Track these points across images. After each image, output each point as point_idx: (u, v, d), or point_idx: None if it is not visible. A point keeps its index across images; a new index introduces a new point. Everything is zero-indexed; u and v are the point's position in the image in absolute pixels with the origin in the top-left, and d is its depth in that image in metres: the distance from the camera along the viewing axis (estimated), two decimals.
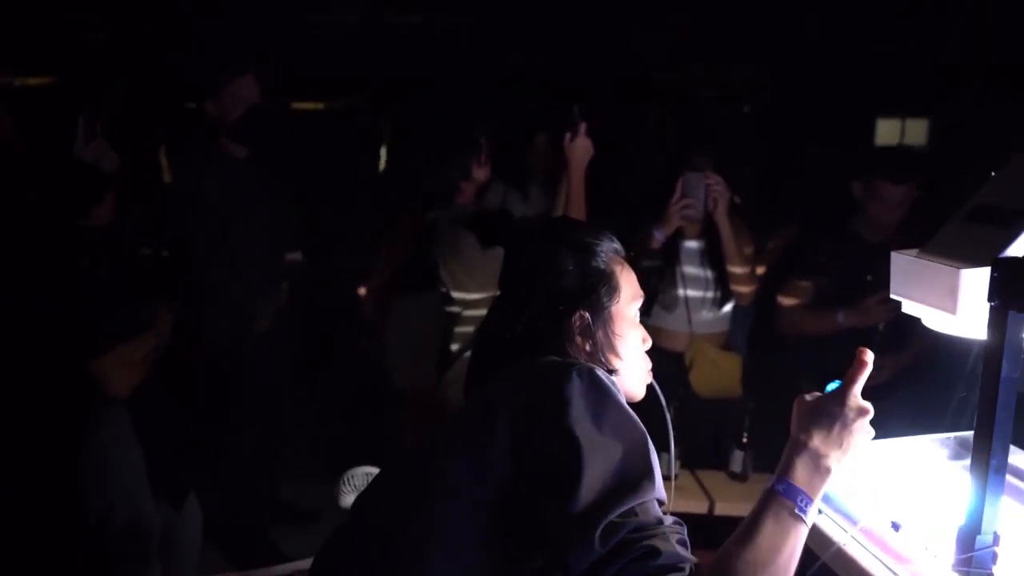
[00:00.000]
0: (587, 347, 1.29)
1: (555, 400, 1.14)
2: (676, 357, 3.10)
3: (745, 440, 2.89)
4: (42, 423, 2.33)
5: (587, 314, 1.30)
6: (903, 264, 1.34)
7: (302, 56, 5.66)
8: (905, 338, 2.95)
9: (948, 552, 1.26)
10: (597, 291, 1.31)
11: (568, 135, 2.65)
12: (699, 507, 2.75)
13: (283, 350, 3.53)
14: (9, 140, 2.70)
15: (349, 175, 6.02)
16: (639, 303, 1.37)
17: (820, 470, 1.16)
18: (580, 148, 2.65)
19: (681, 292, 3.10)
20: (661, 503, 1.12)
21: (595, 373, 1.18)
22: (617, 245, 1.37)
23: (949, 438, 1.69)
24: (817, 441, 1.17)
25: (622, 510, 1.06)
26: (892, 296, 1.38)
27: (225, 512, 3.30)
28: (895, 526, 1.35)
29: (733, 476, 2.90)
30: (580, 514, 1.06)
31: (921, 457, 1.65)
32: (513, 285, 1.37)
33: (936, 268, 1.28)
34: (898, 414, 1.89)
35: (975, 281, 1.22)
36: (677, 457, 2.89)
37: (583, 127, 2.65)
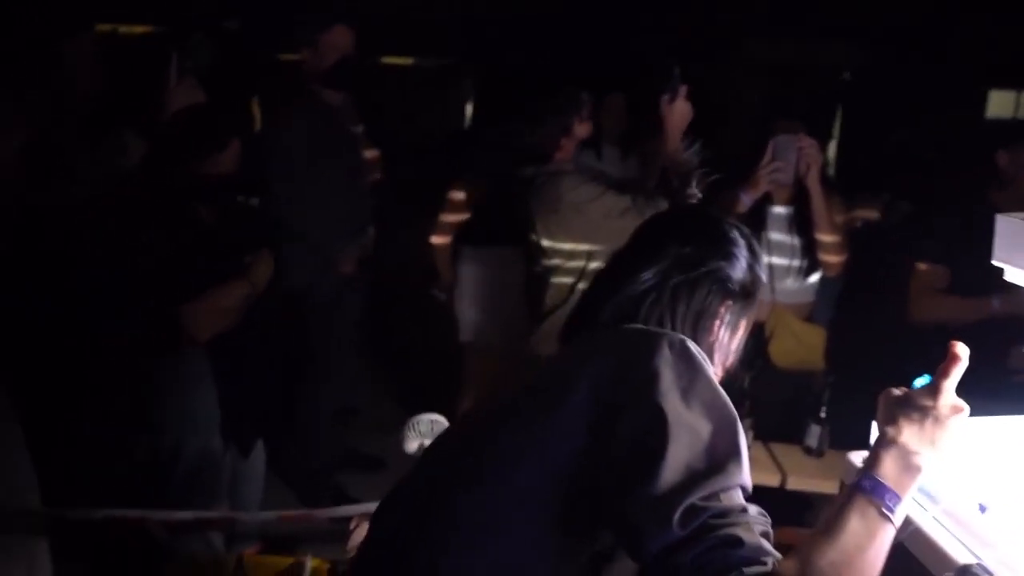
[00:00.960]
0: (716, 334, 1.28)
1: (643, 370, 1.10)
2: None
3: (823, 415, 2.78)
4: (122, 356, 2.38)
5: (733, 308, 1.29)
6: (1011, 228, 1.24)
7: (389, 11, 5.66)
8: None
9: None
10: (750, 295, 1.32)
11: (667, 97, 2.57)
12: (771, 480, 2.67)
13: (363, 296, 3.57)
14: (95, 87, 2.75)
15: (433, 130, 6.02)
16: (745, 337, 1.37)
17: (910, 468, 1.08)
18: (679, 111, 2.58)
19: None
20: (747, 492, 1.06)
21: (687, 345, 1.14)
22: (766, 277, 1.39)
23: None
24: (907, 436, 1.09)
25: (705, 493, 1.01)
26: (994, 262, 1.27)
27: (295, 453, 3.36)
28: (982, 508, 1.26)
29: (808, 451, 2.80)
30: (661, 493, 1.01)
31: (1015, 436, 1.53)
32: (671, 248, 1.32)
33: None
34: None
35: None
36: (750, 428, 2.84)
37: (683, 90, 2.56)
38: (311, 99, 3.17)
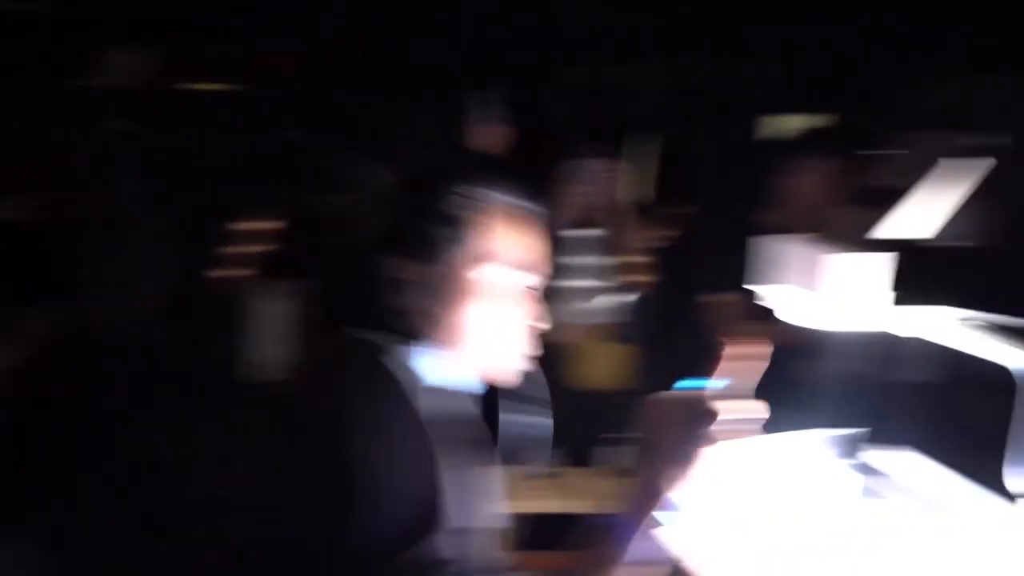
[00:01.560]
0: (411, 306, 1.04)
1: (329, 400, 0.97)
2: (563, 348, 3.00)
3: (627, 435, 2.80)
4: None
5: (417, 266, 1.04)
6: (768, 250, 1.24)
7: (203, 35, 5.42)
8: None
9: None
10: (430, 238, 1.04)
11: (479, 120, 2.62)
12: (580, 507, 2.64)
13: (158, 342, 3.32)
14: None
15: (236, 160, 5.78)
16: (526, 272, 1.10)
17: (653, 493, 1.01)
18: (492, 135, 2.63)
19: (572, 281, 3.01)
20: (463, 534, 0.95)
21: (381, 361, 0.98)
22: (504, 197, 1.08)
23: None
24: (655, 454, 1.01)
25: (402, 548, 0.89)
26: (747, 286, 1.28)
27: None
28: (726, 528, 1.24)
29: (615, 473, 2.81)
30: (350, 551, 0.89)
31: (789, 453, 1.55)
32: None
33: (802, 253, 1.18)
34: None
35: (845, 266, 1.13)
36: (567, 454, 2.82)
37: (498, 113, 2.61)
38: (99, 129, 2.99)
